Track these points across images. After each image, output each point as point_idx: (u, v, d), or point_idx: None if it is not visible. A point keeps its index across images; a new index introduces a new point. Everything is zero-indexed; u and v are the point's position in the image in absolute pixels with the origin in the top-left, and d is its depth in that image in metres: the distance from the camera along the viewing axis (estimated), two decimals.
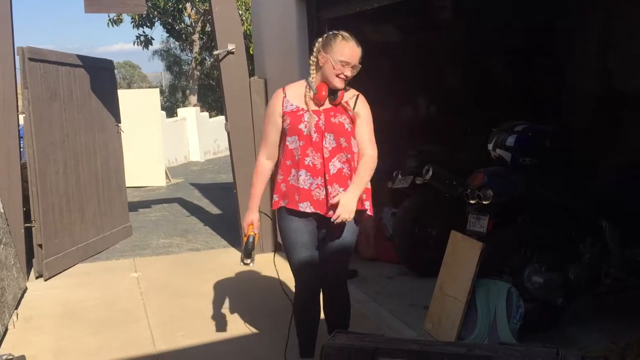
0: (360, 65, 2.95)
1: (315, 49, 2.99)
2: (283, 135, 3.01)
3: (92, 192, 6.23)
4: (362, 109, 3.03)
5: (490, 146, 3.94)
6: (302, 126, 2.93)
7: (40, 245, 5.37)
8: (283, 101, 3.00)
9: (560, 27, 6.34)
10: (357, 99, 3.02)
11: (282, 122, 2.99)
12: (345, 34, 2.96)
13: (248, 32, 10.88)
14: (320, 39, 3.01)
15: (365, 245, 5.49)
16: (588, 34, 6.19)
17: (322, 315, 3.18)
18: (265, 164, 3.07)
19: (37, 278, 5.40)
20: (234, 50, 5.70)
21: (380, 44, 6.33)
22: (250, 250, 3.09)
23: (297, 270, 3.08)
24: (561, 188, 3.75)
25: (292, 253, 3.06)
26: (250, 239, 3.07)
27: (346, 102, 3.00)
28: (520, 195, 3.69)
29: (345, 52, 2.90)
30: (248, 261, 3.13)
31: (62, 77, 5.77)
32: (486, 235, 3.63)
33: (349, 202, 2.88)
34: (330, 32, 2.99)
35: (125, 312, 4.51)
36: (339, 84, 2.93)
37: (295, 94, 3.01)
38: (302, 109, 2.96)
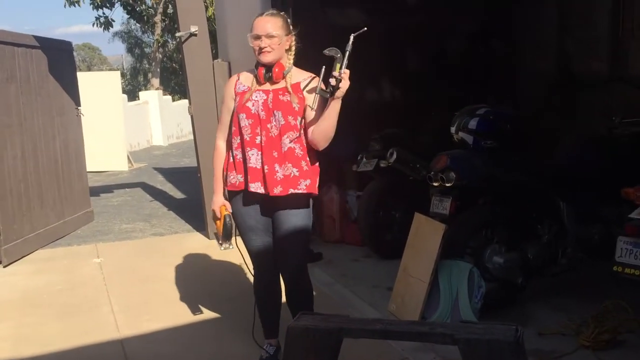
0: (279, 33, 2.89)
1: None
2: (234, 115, 2.99)
3: (52, 177, 6.10)
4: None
5: (452, 129, 3.99)
6: (249, 104, 2.92)
7: None
8: (236, 84, 3.01)
9: (517, 10, 6.44)
10: (310, 80, 2.97)
11: (235, 103, 2.98)
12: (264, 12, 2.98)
13: (212, 16, 10.70)
14: None
15: (330, 228, 5.53)
16: (545, 17, 6.31)
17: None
18: (222, 147, 3.07)
19: None
20: (196, 33, 5.61)
21: (344, 27, 6.32)
22: (229, 232, 3.02)
23: (253, 258, 3.11)
24: (521, 170, 3.83)
25: (245, 238, 3.07)
26: (227, 219, 3.00)
27: (297, 84, 2.95)
28: (481, 178, 3.76)
29: (253, 27, 2.91)
30: (228, 244, 3.07)
31: (18, 58, 5.61)
32: (449, 217, 3.70)
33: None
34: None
35: (87, 298, 4.45)
36: (263, 58, 2.89)
37: (248, 77, 3.01)
38: (254, 90, 2.95)
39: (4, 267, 5.24)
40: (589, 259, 3.93)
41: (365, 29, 2.82)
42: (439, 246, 3.58)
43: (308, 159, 2.96)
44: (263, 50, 2.87)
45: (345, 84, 2.80)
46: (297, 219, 2.96)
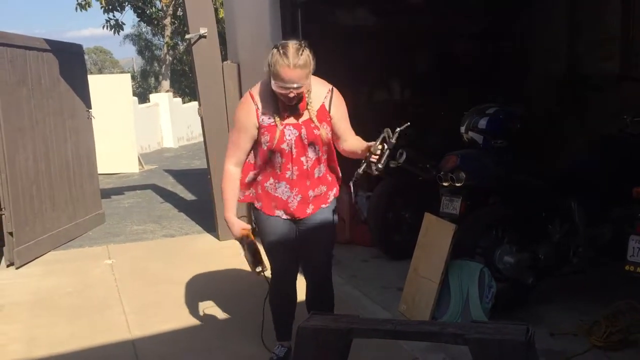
0: (307, 81, 2.76)
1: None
2: (259, 148, 2.92)
3: (63, 179, 6.15)
4: (338, 109, 2.97)
5: (462, 129, 3.98)
6: (284, 145, 2.84)
7: (10, 233, 5.28)
8: (257, 114, 2.87)
9: (528, 11, 6.41)
10: (331, 98, 2.92)
11: (260, 134, 2.88)
12: (289, 50, 2.70)
13: (222, 19, 10.75)
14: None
15: (340, 229, 5.52)
16: (555, 18, 6.28)
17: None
18: (235, 172, 2.97)
19: (8, 266, 5.32)
20: (206, 35, 5.63)
21: (353, 28, 6.33)
22: (257, 256, 2.95)
23: (276, 269, 3.10)
24: (531, 169, 3.81)
25: (269, 249, 3.07)
26: (250, 243, 2.94)
27: (321, 107, 2.89)
28: (492, 177, 3.74)
29: (280, 74, 2.70)
30: (260, 268, 2.98)
31: (30, 61, 5.65)
32: (459, 217, 3.69)
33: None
34: (279, 43, 2.78)
35: (99, 299, 4.47)
36: (288, 102, 2.78)
37: (267, 105, 2.87)
38: (282, 124, 2.84)
39: (16, 268, 5.27)
40: (600, 259, 3.90)
41: (408, 124, 2.82)
42: (449, 246, 3.57)
43: (331, 169, 3.03)
44: (291, 98, 2.76)
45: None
46: (323, 230, 3.01)
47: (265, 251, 3.09)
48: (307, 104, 2.85)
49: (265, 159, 2.91)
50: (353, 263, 5.01)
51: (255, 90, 2.92)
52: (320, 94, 2.92)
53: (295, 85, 2.70)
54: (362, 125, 6.23)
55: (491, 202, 3.86)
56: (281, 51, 2.70)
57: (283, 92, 2.73)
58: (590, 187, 3.85)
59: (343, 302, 4.08)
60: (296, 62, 2.68)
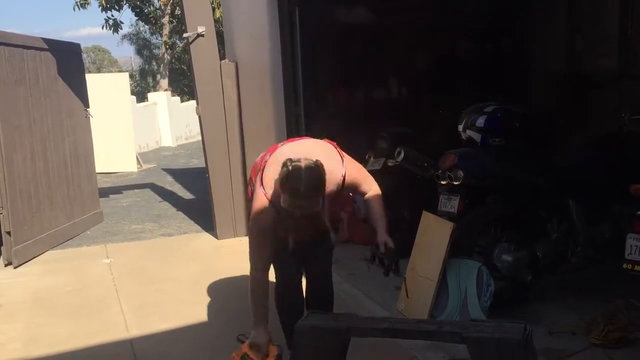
0: (317, 205, 2.59)
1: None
2: None
3: (61, 178, 6.14)
4: (351, 185, 2.85)
5: (460, 127, 3.98)
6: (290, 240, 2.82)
7: (8, 233, 5.27)
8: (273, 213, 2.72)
9: (527, 9, 6.41)
10: (343, 183, 2.78)
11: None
12: (302, 173, 2.48)
13: (220, 18, 10.73)
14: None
15: (338, 227, 5.52)
16: (555, 16, 6.28)
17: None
18: (264, 279, 2.76)
19: (6, 266, 5.31)
20: (204, 33, 5.63)
21: (351, 26, 6.33)
22: None
23: (281, 282, 3.07)
24: (530, 168, 3.81)
25: (275, 259, 2.98)
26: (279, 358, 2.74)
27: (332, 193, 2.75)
28: (490, 176, 3.74)
29: (287, 202, 2.54)
30: None
31: (27, 60, 5.64)
32: (457, 216, 3.68)
33: (388, 237, 2.90)
34: (291, 162, 2.53)
35: (97, 299, 4.47)
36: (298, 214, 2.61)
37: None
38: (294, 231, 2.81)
39: (15, 268, 5.27)
40: (598, 257, 3.90)
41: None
42: (447, 245, 3.57)
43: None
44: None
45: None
46: (324, 240, 3.06)
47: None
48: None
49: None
50: (352, 261, 4.99)
51: (271, 192, 2.69)
52: (332, 189, 2.73)
53: (304, 211, 2.56)
54: (360, 123, 6.26)
55: (489, 200, 3.86)
56: (293, 173, 2.49)
57: (292, 211, 2.57)
58: (589, 185, 3.85)
59: (341, 301, 4.07)
60: (310, 188, 2.50)
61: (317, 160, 2.54)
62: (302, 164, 2.50)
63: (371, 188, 2.95)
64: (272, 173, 2.66)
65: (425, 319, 3.45)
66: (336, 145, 2.92)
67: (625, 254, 3.27)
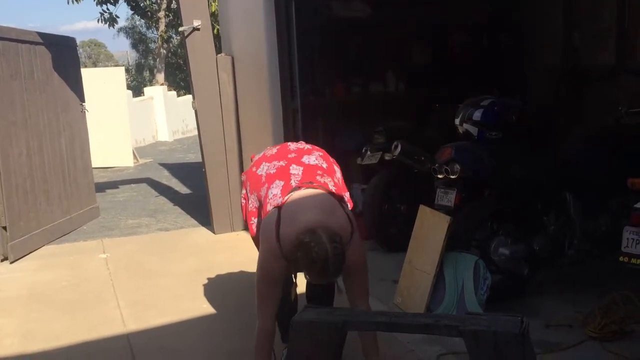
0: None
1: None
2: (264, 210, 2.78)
3: (57, 173, 6.12)
4: (350, 261, 2.63)
5: (457, 121, 3.97)
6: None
7: (4, 228, 5.26)
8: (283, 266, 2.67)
9: (524, 3, 6.40)
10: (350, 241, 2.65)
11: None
12: (327, 265, 2.45)
13: (216, 12, 10.69)
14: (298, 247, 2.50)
15: None
16: (551, 10, 6.27)
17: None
18: (273, 328, 2.72)
19: (2, 261, 5.30)
20: (199, 27, 5.60)
21: (347, 20, 6.31)
22: None
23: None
24: (526, 161, 3.81)
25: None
26: None
27: None
28: (486, 169, 3.74)
29: (310, 277, 2.58)
30: None
31: (22, 55, 5.61)
32: (454, 209, 3.68)
33: None
34: (312, 239, 2.46)
35: (94, 294, 4.46)
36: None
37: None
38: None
39: (11, 263, 5.26)
40: (595, 251, 3.90)
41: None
42: (444, 238, 3.57)
43: None
44: None
45: None
46: None
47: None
48: None
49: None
50: None
51: (284, 240, 2.60)
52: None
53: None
54: (357, 117, 6.25)
55: (486, 194, 3.86)
56: (319, 257, 2.44)
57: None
58: (586, 178, 3.85)
59: (338, 295, 4.08)
60: (335, 276, 2.54)
61: (339, 238, 2.51)
62: (328, 248, 2.44)
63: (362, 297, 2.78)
64: (289, 234, 2.57)
65: (422, 313, 3.46)
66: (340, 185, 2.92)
67: (621, 247, 3.27)
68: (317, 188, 2.76)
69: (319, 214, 2.61)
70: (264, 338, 2.69)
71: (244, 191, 3.11)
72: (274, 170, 2.90)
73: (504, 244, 3.75)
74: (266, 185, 2.85)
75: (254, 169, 3.03)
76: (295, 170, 2.85)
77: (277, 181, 2.82)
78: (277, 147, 3.11)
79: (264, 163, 3.00)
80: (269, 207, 2.73)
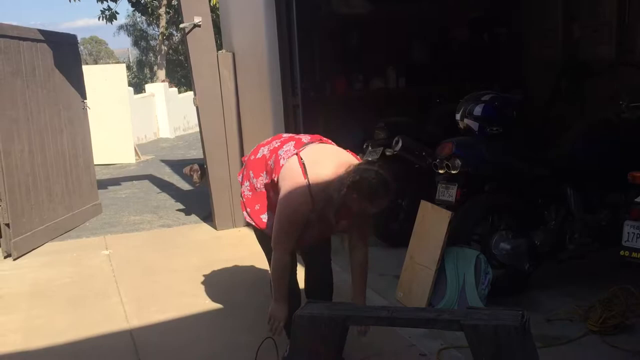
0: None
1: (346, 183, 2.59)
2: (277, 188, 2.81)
3: (60, 170, 6.13)
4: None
5: (458, 116, 3.97)
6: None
7: (7, 225, 5.28)
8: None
9: None
10: None
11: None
12: (388, 187, 2.62)
13: (216, 5, 10.70)
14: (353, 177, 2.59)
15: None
16: (551, 3, 6.26)
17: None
18: (289, 261, 2.81)
19: (5, 258, 5.32)
20: (200, 23, 5.60)
21: (348, 16, 6.31)
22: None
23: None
24: (527, 156, 3.81)
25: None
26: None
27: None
28: (487, 164, 3.74)
29: (374, 202, 2.63)
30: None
31: (23, 52, 5.62)
32: (455, 204, 3.69)
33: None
34: (374, 174, 2.60)
35: (97, 290, 4.48)
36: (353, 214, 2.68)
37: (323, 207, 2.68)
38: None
39: (14, 260, 5.28)
40: (596, 245, 3.91)
41: None
42: (445, 233, 3.58)
43: None
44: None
45: None
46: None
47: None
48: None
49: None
50: None
51: (315, 189, 2.68)
52: None
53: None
54: (358, 113, 6.24)
55: (487, 189, 3.87)
56: (381, 182, 2.59)
57: (369, 213, 2.67)
58: (587, 173, 3.86)
59: (340, 290, 4.08)
60: (394, 193, 2.66)
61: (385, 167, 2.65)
62: (379, 170, 2.61)
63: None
64: (318, 174, 2.67)
65: (424, 307, 3.47)
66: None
67: (622, 241, 3.27)
68: (328, 144, 2.90)
69: (340, 158, 2.75)
70: (282, 269, 2.77)
71: (242, 188, 3.10)
72: (278, 143, 2.94)
73: (505, 238, 3.76)
74: (273, 156, 2.87)
75: (252, 157, 3.04)
76: (301, 136, 2.95)
77: (287, 144, 2.87)
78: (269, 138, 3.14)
79: (261, 148, 3.03)
80: (283, 162, 2.76)
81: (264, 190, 2.95)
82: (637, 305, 3.37)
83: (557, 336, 3.25)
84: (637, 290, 3.44)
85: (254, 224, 3.05)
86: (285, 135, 3.11)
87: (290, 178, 2.71)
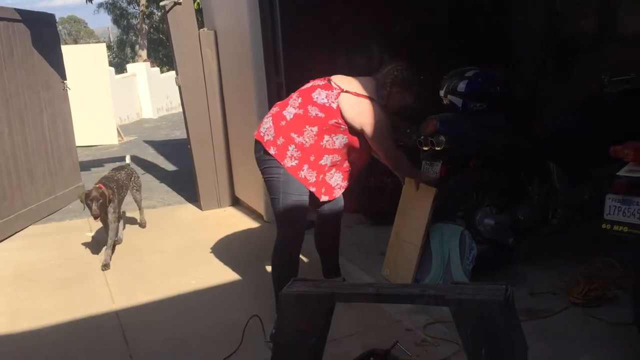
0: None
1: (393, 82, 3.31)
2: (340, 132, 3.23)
3: (41, 152, 6.06)
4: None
5: (442, 92, 3.96)
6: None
7: None
8: None
9: None
10: None
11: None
12: (413, 73, 3.36)
13: None
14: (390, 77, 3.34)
15: None
16: None
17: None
18: (400, 153, 3.45)
19: None
20: (181, 1, 5.52)
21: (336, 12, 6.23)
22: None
23: (293, 223, 3.23)
24: (511, 131, 3.82)
25: (295, 207, 3.19)
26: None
27: None
28: (471, 140, 3.75)
29: (407, 98, 3.37)
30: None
31: (0, 33, 5.51)
32: (439, 181, 3.70)
33: None
34: (400, 70, 3.34)
35: (81, 272, 4.46)
36: (401, 110, 3.44)
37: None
38: None
39: None
40: (578, 219, 3.95)
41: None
42: (430, 210, 3.59)
43: None
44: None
45: None
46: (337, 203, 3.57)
47: (287, 209, 3.16)
48: None
49: (345, 149, 3.27)
50: None
51: (370, 95, 3.30)
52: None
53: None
54: None
55: (471, 165, 3.88)
56: (409, 72, 3.38)
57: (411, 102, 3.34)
58: (570, 148, 3.88)
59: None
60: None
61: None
62: (405, 67, 3.34)
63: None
64: (368, 88, 3.31)
65: (409, 283, 3.49)
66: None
67: (604, 214, 3.30)
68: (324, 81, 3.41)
69: (351, 78, 3.39)
70: (404, 158, 3.45)
71: (284, 160, 3.16)
72: (300, 100, 3.31)
73: (489, 214, 3.78)
74: (314, 107, 3.23)
75: (281, 123, 3.22)
76: (311, 84, 3.47)
77: (315, 92, 3.33)
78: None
79: (282, 112, 3.27)
80: (335, 103, 3.22)
81: (315, 138, 3.17)
82: (619, 278, 3.42)
83: (540, 309, 3.29)
84: (618, 263, 3.49)
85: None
86: (293, 94, 3.39)
87: (358, 104, 3.21)
